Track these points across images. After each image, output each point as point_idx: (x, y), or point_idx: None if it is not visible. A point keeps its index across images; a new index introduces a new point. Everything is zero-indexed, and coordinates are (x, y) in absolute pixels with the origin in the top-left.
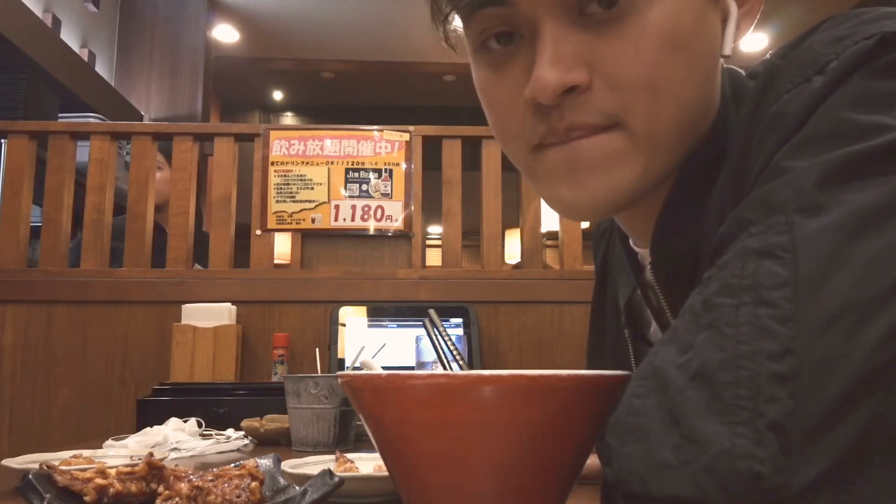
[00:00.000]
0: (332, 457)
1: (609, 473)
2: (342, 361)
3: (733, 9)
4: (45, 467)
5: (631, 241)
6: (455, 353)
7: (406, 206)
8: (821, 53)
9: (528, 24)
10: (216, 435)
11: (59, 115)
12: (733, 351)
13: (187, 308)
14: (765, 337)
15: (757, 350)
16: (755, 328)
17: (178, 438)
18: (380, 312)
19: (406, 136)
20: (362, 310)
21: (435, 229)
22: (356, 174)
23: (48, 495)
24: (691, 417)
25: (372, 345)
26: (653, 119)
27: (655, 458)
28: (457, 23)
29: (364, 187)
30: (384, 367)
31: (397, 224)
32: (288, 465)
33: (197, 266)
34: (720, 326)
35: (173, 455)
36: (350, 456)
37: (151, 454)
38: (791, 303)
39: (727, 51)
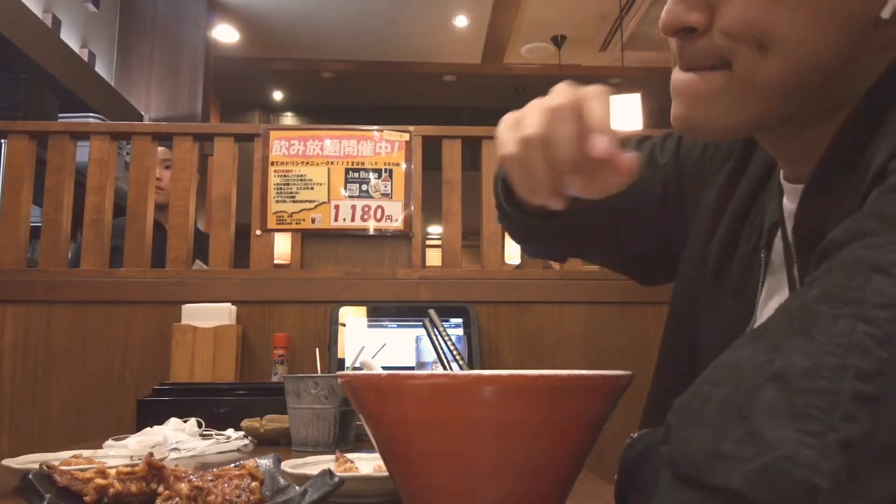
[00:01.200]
0: (332, 457)
1: (665, 452)
2: (342, 361)
3: None
4: (45, 467)
5: (781, 174)
6: (455, 353)
7: (406, 206)
8: None
9: None
10: (216, 435)
11: (59, 115)
12: (819, 360)
13: (187, 308)
14: (857, 353)
15: (847, 365)
16: (850, 343)
17: (178, 438)
18: (380, 312)
19: (406, 136)
20: (362, 310)
21: (435, 229)
22: (356, 174)
23: (48, 495)
24: (759, 416)
25: (372, 345)
26: (755, 70)
27: (714, 447)
28: None
29: (364, 187)
30: (384, 367)
31: (397, 224)
32: (288, 465)
33: (198, 262)
34: (813, 333)
35: (173, 455)
36: (350, 456)
37: (151, 454)
38: (893, 325)
39: (887, 13)
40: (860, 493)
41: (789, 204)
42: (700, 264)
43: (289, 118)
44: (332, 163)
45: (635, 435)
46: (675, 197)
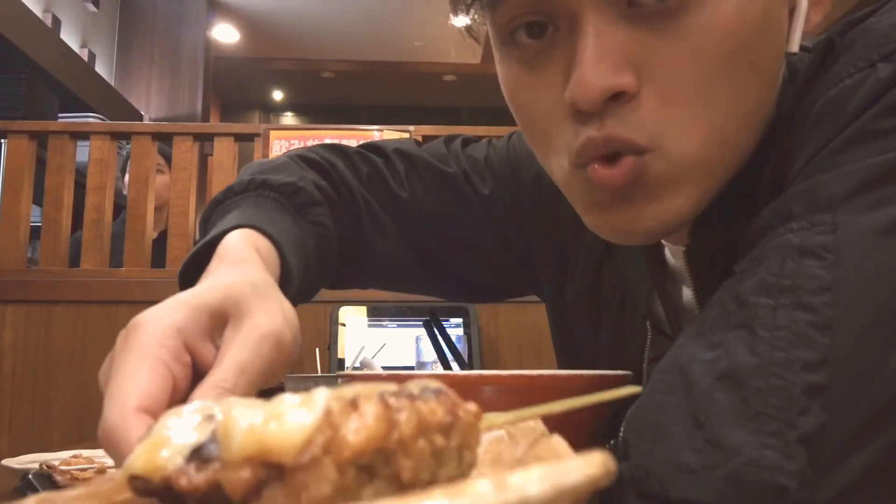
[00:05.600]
0: None
1: (626, 470)
2: (342, 361)
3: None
4: (45, 467)
5: None
6: (455, 353)
7: None
8: (888, 37)
9: (567, 15)
10: None
11: (59, 115)
12: (768, 357)
13: None
14: (802, 344)
15: (793, 358)
16: (792, 334)
17: None
18: (380, 312)
19: (406, 136)
20: (362, 310)
21: None
22: None
23: None
24: (716, 421)
25: (372, 345)
26: (707, 139)
27: (676, 460)
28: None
29: None
30: (384, 367)
31: None
32: None
33: None
34: (755, 327)
35: None
36: None
37: None
38: (831, 309)
39: (794, 47)
40: (825, 484)
41: (673, 260)
42: (564, 326)
43: (289, 118)
44: None
45: (613, 441)
46: (515, 230)
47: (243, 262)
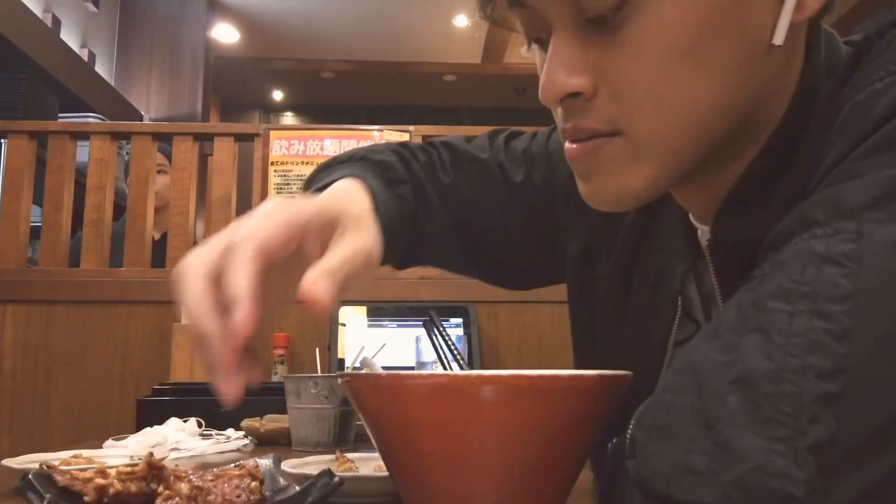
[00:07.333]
0: (332, 457)
1: (632, 467)
2: (342, 361)
3: None
4: (45, 467)
5: (691, 216)
6: (455, 353)
7: None
8: None
9: (546, 26)
10: (216, 435)
11: (59, 115)
12: (781, 362)
13: None
14: (817, 352)
15: (807, 365)
16: (808, 341)
17: (178, 438)
18: (380, 312)
19: (406, 136)
20: (362, 310)
21: None
22: None
23: (48, 495)
24: (726, 425)
25: (372, 345)
26: (655, 129)
27: (684, 461)
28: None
29: None
30: (384, 367)
31: None
32: (288, 465)
33: None
34: (771, 333)
35: (173, 455)
36: (350, 456)
37: (151, 454)
38: (850, 318)
39: (778, 39)
40: (833, 494)
41: (703, 244)
42: (587, 305)
43: (289, 118)
44: None
45: (616, 440)
46: (544, 218)
47: (352, 197)
